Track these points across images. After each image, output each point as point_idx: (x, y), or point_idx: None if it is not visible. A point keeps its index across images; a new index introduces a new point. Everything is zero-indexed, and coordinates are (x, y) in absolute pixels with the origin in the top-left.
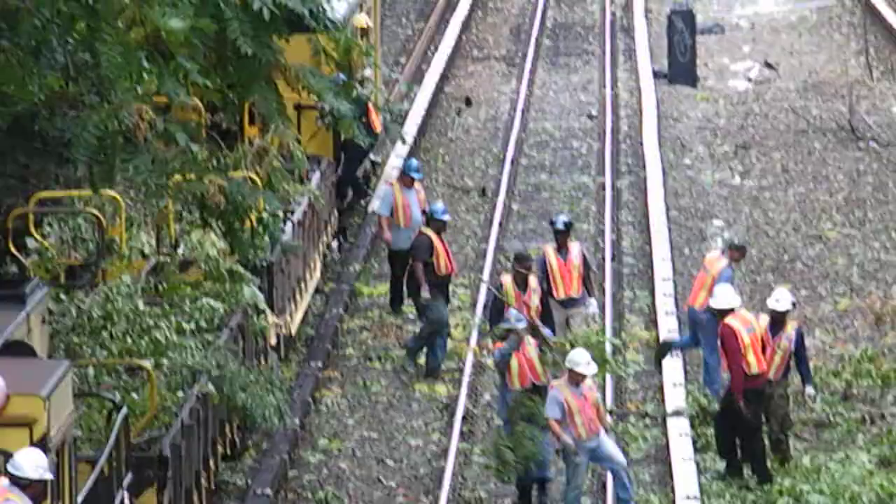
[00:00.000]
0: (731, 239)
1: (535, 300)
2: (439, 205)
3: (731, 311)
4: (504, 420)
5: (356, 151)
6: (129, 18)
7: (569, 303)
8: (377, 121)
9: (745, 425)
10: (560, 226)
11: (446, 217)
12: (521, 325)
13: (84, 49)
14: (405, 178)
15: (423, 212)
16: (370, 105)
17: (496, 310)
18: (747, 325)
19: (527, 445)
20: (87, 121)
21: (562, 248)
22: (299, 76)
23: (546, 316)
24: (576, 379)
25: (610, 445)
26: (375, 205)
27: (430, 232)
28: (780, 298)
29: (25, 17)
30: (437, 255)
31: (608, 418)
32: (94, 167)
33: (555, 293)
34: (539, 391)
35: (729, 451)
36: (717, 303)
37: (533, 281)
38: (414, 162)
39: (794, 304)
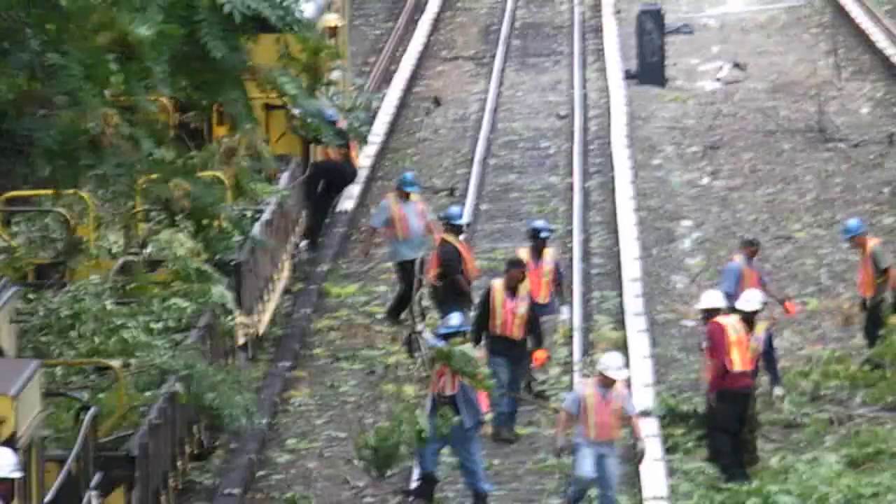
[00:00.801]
0: (743, 235)
1: (521, 308)
2: (455, 209)
3: (718, 311)
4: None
5: (340, 181)
6: (97, 22)
7: (536, 308)
8: (356, 155)
9: (719, 424)
10: (546, 233)
11: (462, 221)
12: (465, 329)
13: (53, 50)
14: (401, 191)
15: (430, 222)
16: (351, 142)
17: (483, 314)
18: (736, 326)
19: (403, 431)
20: (52, 124)
21: (536, 255)
22: (270, 78)
23: (533, 325)
24: (605, 382)
25: (613, 466)
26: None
27: (452, 239)
28: (750, 299)
29: None
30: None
31: (640, 445)
32: (59, 170)
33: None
34: (448, 400)
35: (725, 454)
36: (702, 304)
37: (523, 289)
38: (409, 175)
39: (763, 305)
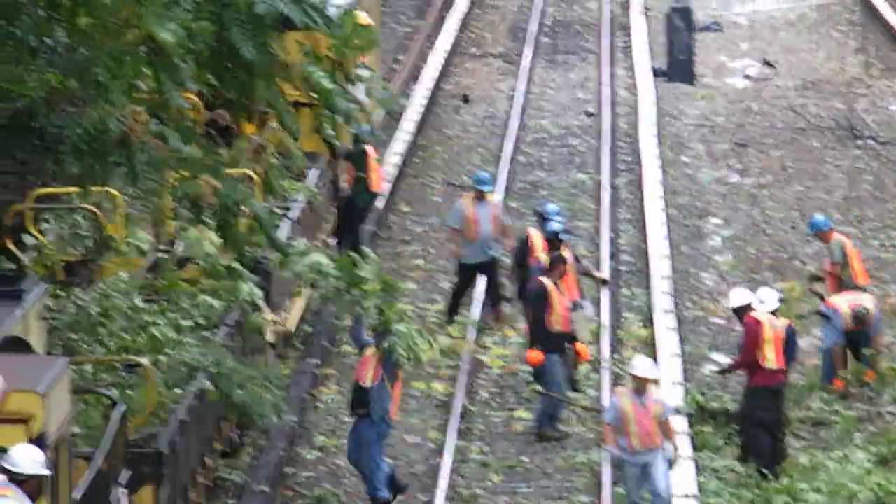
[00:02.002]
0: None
1: (567, 302)
2: (551, 206)
3: (749, 307)
4: None
5: (356, 213)
6: (125, 18)
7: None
8: (377, 177)
9: (757, 422)
10: (565, 235)
11: (557, 226)
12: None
13: (82, 46)
14: (477, 191)
15: (505, 226)
16: (371, 160)
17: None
18: (772, 322)
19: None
20: (81, 122)
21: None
22: (303, 74)
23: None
24: (639, 386)
25: (662, 470)
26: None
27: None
28: (765, 299)
29: (24, 12)
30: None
31: (672, 448)
32: (88, 167)
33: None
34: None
35: (763, 452)
36: (732, 302)
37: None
38: (483, 174)
39: (781, 301)
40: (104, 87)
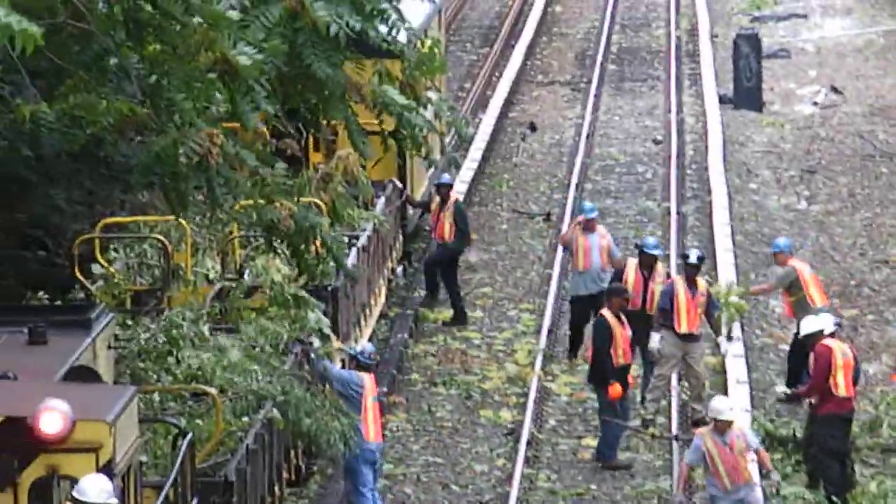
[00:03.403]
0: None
1: (628, 332)
2: (650, 240)
3: (820, 334)
4: None
5: (450, 255)
6: (198, 42)
7: (688, 337)
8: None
9: (829, 450)
10: (695, 260)
11: (657, 251)
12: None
13: (154, 73)
14: (587, 221)
15: (614, 260)
16: (465, 210)
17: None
18: (842, 350)
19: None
20: (153, 146)
21: (691, 283)
22: (376, 95)
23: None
24: (720, 427)
25: (758, 498)
26: None
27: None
28: (822, 324)
29: (95, 40)
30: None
31: (773, 476)
32: (167, 191)
33: (676, 326)
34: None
35: (833, 480)
36: (803, 329)
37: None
38: (588, 204)
39: (838, 325)
40: (179, 110)
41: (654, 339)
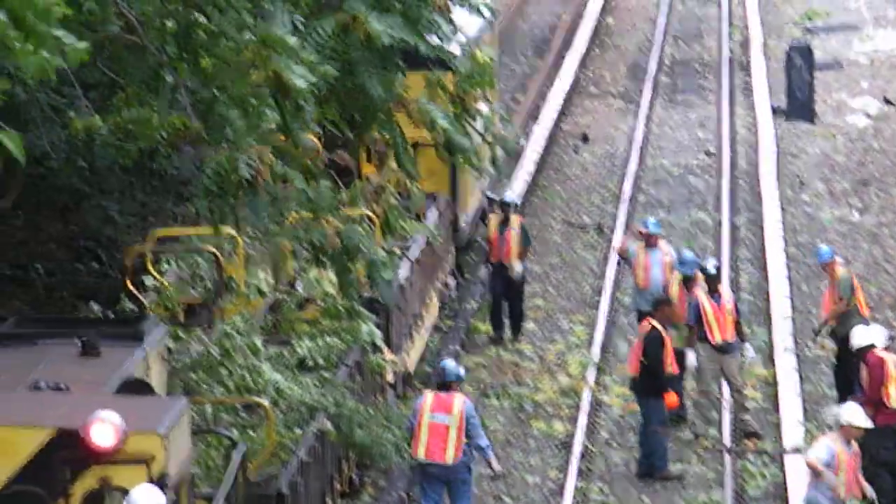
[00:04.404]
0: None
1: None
2: (688, 254)
3: (873, 346)
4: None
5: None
6: (250, 60)
7: (723, 348)
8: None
9: (880, 461)
10: (711, 270)
11: (712, 270)
12: (462, 374)
13: (207, 87)
14: (648, 237)
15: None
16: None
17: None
18: (894, 360)
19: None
20: (207, 164)
21: (714, 293)
22: (422, 111)
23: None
24: (851, 434)
25: None
26: None
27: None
28: (874, 337)
29: (148, 54)
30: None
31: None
32: (215, 208)
33: (710, 338)
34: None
35: (886, 491)
36: (855, 341)
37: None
38: (651, 219)
39: (892, 339)
40: (232, 127)
41: (691, 357)
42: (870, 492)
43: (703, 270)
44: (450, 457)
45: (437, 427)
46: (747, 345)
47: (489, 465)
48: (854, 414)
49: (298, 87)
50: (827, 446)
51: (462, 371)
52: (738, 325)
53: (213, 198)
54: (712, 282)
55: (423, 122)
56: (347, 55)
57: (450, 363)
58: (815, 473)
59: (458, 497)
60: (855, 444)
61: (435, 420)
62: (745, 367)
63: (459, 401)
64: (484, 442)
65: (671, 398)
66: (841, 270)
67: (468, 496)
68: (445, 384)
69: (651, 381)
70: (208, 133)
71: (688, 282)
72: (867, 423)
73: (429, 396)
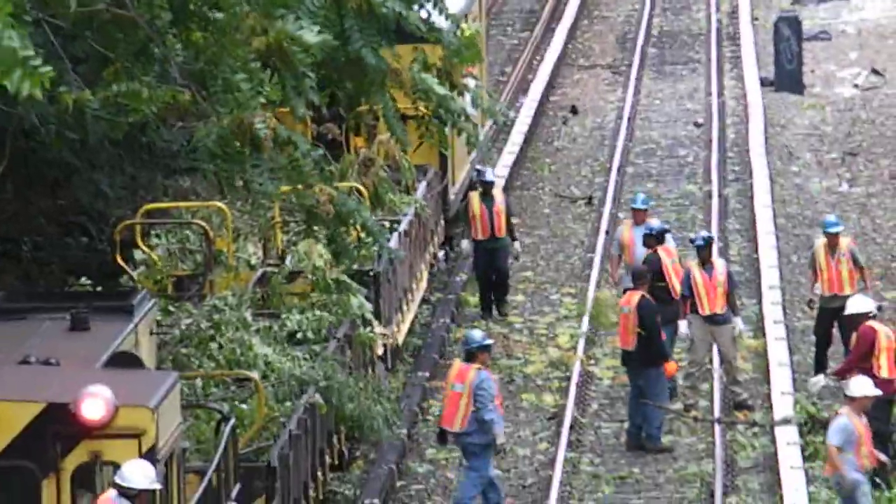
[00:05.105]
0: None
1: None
2: (654, 222)
3: (867, 315)
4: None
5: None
6: (251, 28)
7: (713, 319)
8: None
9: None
10: (699, 241)
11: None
12: (488, 343)
13: (200, 60)
14: (635, 214)
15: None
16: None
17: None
18: (886, 332)
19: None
20: (213, 129)
21: (706, 264)
22: (415, 82)
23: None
24: (862, 408)
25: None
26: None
27: (661, 250)
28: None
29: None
30: (668, 277)
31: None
32: (221, 172)
33: (700, 310)
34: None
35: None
36: (850, 309)
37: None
38: (641, 195)
39: (879, 308)
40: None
41: (682, 326)
42: (884, 458)
43: (693, 242)
44: (456, 424)
45: (454, 396)
46: (737, 318)
47: (493, 438)
48: (865, 386)
49: (310, 42)
50: (845, 425)
51: (486, 340)
52: (729, 297)
53: (220, 162)
54: (702, 254)
55: (416, 92)
56: (341, 25)
57: (474, 333)
58: (839, 457)
59: (468, 466)
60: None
61: (454, 389)
62: (737, 339)
63: (473, 371)
64: (489, 415)
65: (672, 366)
66: (845, 241)
67: (476, 467)
68: (469, 353)
69: (650, 352)
70: (210, 102)
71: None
72: (874, 392)
73: (454, 366)
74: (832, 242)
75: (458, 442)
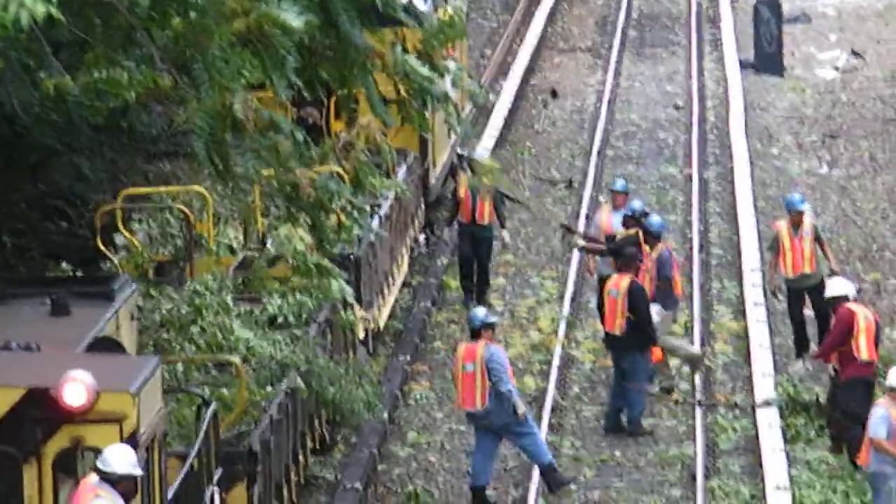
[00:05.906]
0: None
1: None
2: (655, 219)
3: (845, 298)
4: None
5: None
6: (231, 10)
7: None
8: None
9: (853, 414)
10: (618, 188)
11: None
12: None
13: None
14: (615, 197)
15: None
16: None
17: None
18: (865, 314)
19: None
20: (200, 110)
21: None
22: (398, 63)
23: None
24: None
25: None
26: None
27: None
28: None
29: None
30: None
31: None
32: (211, 154)
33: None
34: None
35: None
36: (830, 291)
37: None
38: (619, 180)
39: (858, 291)
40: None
41: (654, 311)
42: None
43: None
44: (477, 403)
45: (467, 376)
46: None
47: (514, 409)
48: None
49: (292, 25)
50: (884, 416)
51: (490, 317)
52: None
53: (210, 140)
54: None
55: (398, 74)
56: (325, 6)
57: (476, 311)
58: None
59: (519, 444)
60: None
61: (465, 370)
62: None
63: (481, 347)
64: (505, 387)
65: (657, 351)
66: (809, 220)
67: (530, 440)
68: (474, 332)
69: (637, 336)
70: (191, 84)
71: (648, 237)
72: None
73: (461, 347)
74: (796, 221)
75: (488, 421)
